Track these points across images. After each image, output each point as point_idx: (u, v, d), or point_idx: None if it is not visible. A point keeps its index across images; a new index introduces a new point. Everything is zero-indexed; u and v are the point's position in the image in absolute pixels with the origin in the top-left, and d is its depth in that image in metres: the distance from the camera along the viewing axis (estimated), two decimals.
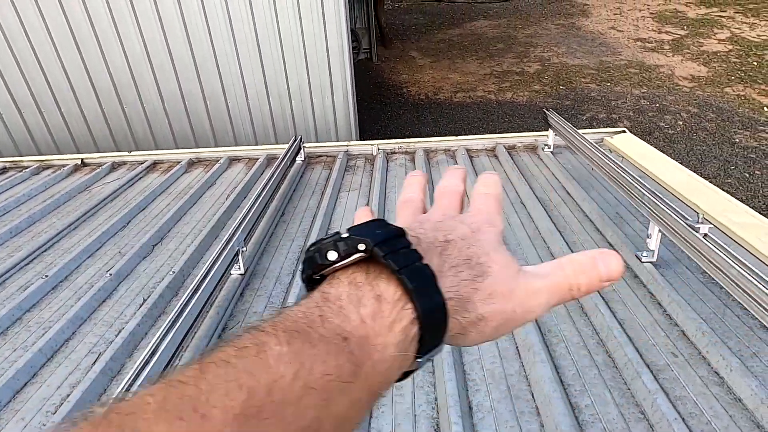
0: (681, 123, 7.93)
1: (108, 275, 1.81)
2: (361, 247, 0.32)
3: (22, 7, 4.39)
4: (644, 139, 2.84)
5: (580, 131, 2.54)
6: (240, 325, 1.55)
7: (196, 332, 1.45)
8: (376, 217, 0.36)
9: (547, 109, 2.81)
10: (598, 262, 0.38)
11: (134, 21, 4.49)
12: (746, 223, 1.84)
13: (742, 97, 8.55)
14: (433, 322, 0.31)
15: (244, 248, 1.77)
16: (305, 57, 4.77)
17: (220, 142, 5.08)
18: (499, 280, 0.36)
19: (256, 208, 1.96)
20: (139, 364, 1.15)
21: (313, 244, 0.33)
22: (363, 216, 0.41)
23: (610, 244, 1.86)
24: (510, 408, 1.19)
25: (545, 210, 2.13)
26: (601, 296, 1.53)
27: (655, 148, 2.78)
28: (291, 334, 0.27)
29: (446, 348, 1.25)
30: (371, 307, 0.30)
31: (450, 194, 0.44)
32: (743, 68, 9.57)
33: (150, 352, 1.19)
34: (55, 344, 1.50)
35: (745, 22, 11.84)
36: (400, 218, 0.42)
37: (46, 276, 1.85)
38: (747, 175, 6.61)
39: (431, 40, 12.22)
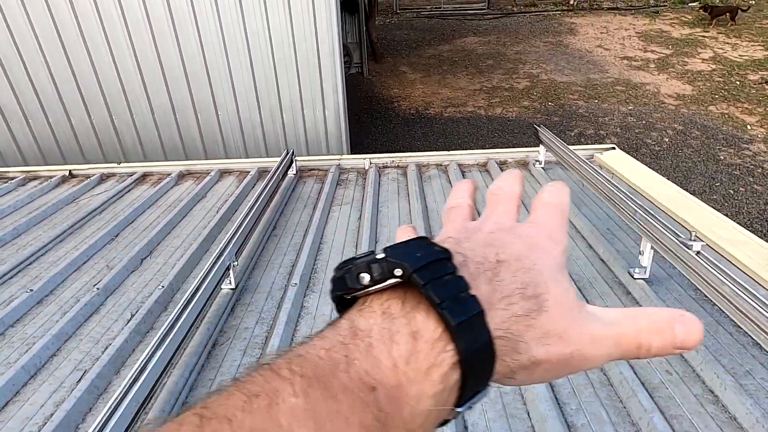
0: (667, 140, 8.06)
1: (95, 289, 1.77)
2: (398, 272, 0.27)
3: (11, 15, 4.36)
4: (631, 155, 2.88)
5: (571, 147, 2.56)
6: (230, 342, 1.52)
7: (185, 349, 1.42)
8: (420, 235, 0.31)
9: (538, 125, 2.84)
10: (677, 324, 0.32)
11: (125, 31, 4.47)
12: (735, 239, 1.86)
13: (726, 116, 8.73)
14: (477, 366, 0.27)
15: (236, 263, 1.75)
16: (297, 70, 4.78)
17: (211, 155, 5.05)
18: (555, 317, 0.30)
19: (247, 221, 1.94)
20: (127, 381, 1.12)
21: (344, 263, 0.29)
22: (404, 234, 0.35)
23: (602, 261, 1.87)
24: (506, 428, 1.18)
25: None
26: None
27: (642, 162, 2.81)
28: (309, 381, 0.23)
29: None
30: (406, 347, 0.26)
31: (506, 198, 0.38)
32: (726, 87, 9.78)
33: (138, 370, 1.16)
34: (39, 361, 1.46)
35: (728, 43, 12.15)
36: (447, 226, 0.37)
37: (31, 290, 1.81)
38: (732, 192, 6.72)
39: (422, 55, 12.35)
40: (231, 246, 1.74)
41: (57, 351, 1.52)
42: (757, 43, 11.93)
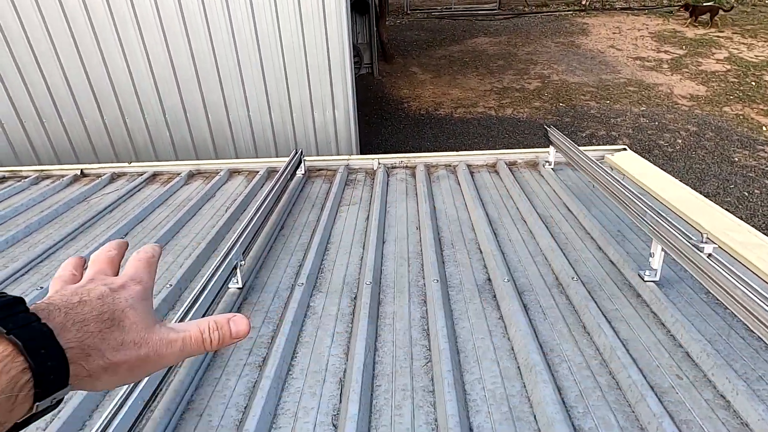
0: (680, 141, 7.96)
1: None
2: None
3: (25, 15, 4.42)
4: (644, 157, 2.84)
5: (581, 148, 2.53)
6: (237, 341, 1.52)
7: None
8: (1, 291, 0.41)
9: (548, 125, 2.81)
10: (230, 322, 0.48)
11: (137, 31, 4.52)
12: (749, 242, 1.83)
13: (741, 117, 8.60)
14: (49, 370, 0.36)
15: (243, 262, 1.75)
16: (307, 70, 4.79)
17: (221, 154, 5.08)
18: (132, 331, 0.42)
19: (255, 221, 1.95)
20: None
21: None
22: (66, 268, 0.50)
23: (612, 263, 1.84)
24: (512, 430, 1.16)
25: (546, 227, 2.12)
26: (604, 315, 1.51)
27: (655, 164, 2.77)
28: None
29: (446, 367, 1.22)
30: None
31: (99, 261, 0.51)
32: (741, 88, 9.64)
33: None
34: None
35: (743, 43, 11.98)
36: (49, 291, 0.47)
37: (41, 287, 1.82)
38: (746, 194, 6.62)
39: (432, 56, 12.33)
40: (238, 245, 1.74)
41: None
42: None
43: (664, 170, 2.68)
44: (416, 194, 2.55)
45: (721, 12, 13.02)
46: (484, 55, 12.12)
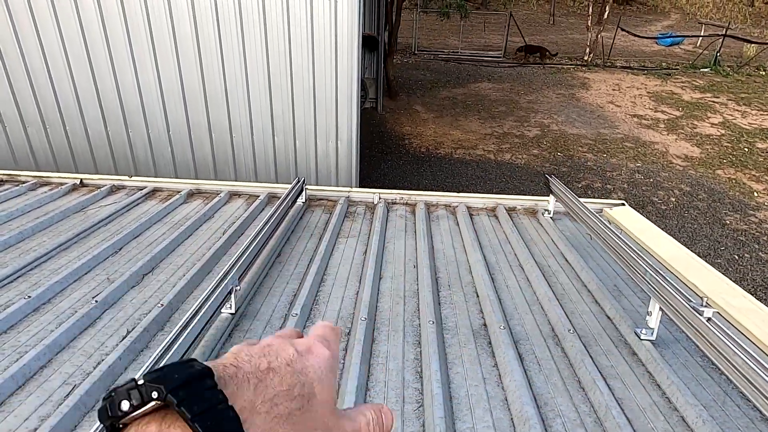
0: (674, 200, 8.09)
1: (93, 302, 1.75)
2: (155, 394, 0.29)
3: (41, 19, 4.48)
4: (638, 212, 2.87)
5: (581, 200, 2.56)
6: None
7: None
8: (189, 358, 0.35)
9: (549, 175, 2.85)
10: (383, 415, 0.43)
11: (150, 46, 4.58)
12: (744, 307, 1.83)
13: (733, 181, 8.78)
14: None
15: (238, 287, 1.73)
16: (314, 100, 4.86)
17: (221, 175, 5.09)
18: (319, 416, 0.36)
19: (254, 246, 1.93)
20: None
21: (108, 393, 0.31)
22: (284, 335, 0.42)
23: (609, 317, 1.84)
24: None
25: (543, 275, 2.12)
26: (599, 371, 1.50)
27: (648, 220, 2.80)
28: None
29: (438, 413, 1.19)
30: None
31: (289, 330, 0.45)
32: (734, 153, 9.89)
33: None
34: (28, 371, 1.43)
35: (737, 110, 12.35)
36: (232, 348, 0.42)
37: (29, 296, 1.78)
38: (736, 257, 6.69)
39: (436, 96, 12.59)
40: (235, 269, 1.72)
41: (48, 362, 1.48)
42: (766, 113, 12.11)
43: (658, 227, 2.71)
44: (415, 232, 2.55)
45: (548, 53, 16.15)
46: (487, 100, 12.39)
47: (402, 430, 1.27)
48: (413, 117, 11.16)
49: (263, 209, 2.79)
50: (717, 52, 16.01)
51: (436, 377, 1.42)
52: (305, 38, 4.61)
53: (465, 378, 1.48)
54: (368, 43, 10.45)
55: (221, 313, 1.71)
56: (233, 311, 1.73)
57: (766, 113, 12.02)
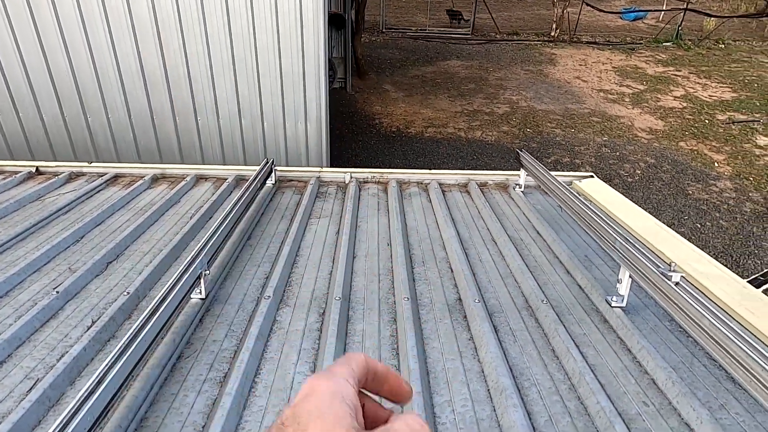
0: (639, 172, 8.28)
1: (54, 293, 1.67)
2: None
3: None
4: (606, 184, 2.91)
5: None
6: (197, 355, 1.44)
7: (148, 360, 1.34)
8: None
9: (519, 150, 2.86)
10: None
11: (105, 26, 4.37)
12: (710, 273, 1.88)
13: (695, 152, 9.03)
14: None
15: (207, 271, 1.68)
16: (281, 80, 4.74)
17: (187, 160, 4.94)
18: None
19: (222, 229, 1.88)
20: (83, 394, 1.04)
21: None
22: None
23: (580, 287, 1.86)
24: None
25: (516, 248, 2.13)
26: (573, 340, 1.52)
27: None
28: None
29: (415, 388, 1.19)
30: None
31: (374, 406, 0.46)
32: (696, 125, 10.15)
33: (96, 381, 1.08)
34: None
35: (699, 83, 12.65)
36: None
37: None
38: (698, 226, 6.92)
39: (405, 75, 12.48)
40: (204, 254, 1.67)
41: (7, 357, 1.41)
42: (725, 85, 12.46)
43: (625, 198, 2.76)
44: (388, 210, 2.53)
45: (461, 17, 17.71)
46: (456, 78, 12.36)
47: None
48: (383, 96, 11.06)
49: (231, 192, 2.72)
50: (679, 26, 16.32)
51: (413, 353, 1.41)
52: (269, 15, 4.47)
53: (441, 352, 1.48)
54: (335, 22, 10.24)
55: (191, 298, 1.66)
56: (203, 296, 1.68)
57: (725, 85, 12.36)
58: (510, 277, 1.94)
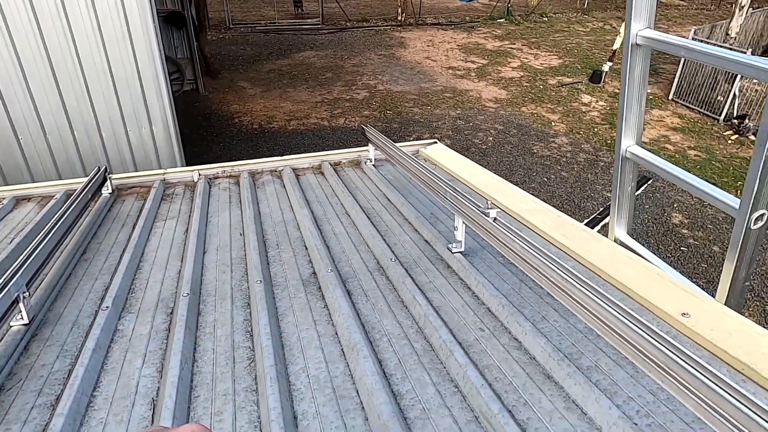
0: (491, 139, 9.00)
1: None
2: None
3: None
4: (463, 154, 3.12)
5: (397, 144, 2.70)
6: (22, 384, 1.29)
7: None
8: None
9: (364, 125, 2.95)
10: None
11: None
12: (533, 209, 2.12)
13: (535, 115, 10.03)
14: None
15: (26, 293, 1.50)
16: (113, 85, 4.37)
17: (12, 181, 4.35)
18: None
19: (43, 247, 1.69)
20: None
21: None
22: None
23: (426, 241, 1.99)
24: (335, 409, 1.17)
25: (368, 218, 2.20)
26: (419, 288, 1.62)
27: (472, 160, 3.06)
28: None
29: (268, 362, 1.18)
30: None
31: (154, 429, 0.54)
32: (533, 91, 11.26)
33: None
34: None
35: (531, 53, 14.01)
36: None
37: None
38: (546, 179, 7.72)
39: (260, 70, 12.17)
40: (19, 275, 1.49)
41: None
42: (552, 53, 13.95)
43: (481, 164, 2.98)
44: (240, 201, 2.47)
45: None
46: (313, 68, 12.33)
47: (233, 389, 1.25)
48: (240, 94, 10.69)
49: (61, 208, 2.45)
50: (508, 4, 17.88)
51: (266, 331, 1.41)
52: (87, 18, 4.07)
53: (296, 325, 1.50)
54: (173, 20, 9.62)
55: (10, 326, 1.48)
56: (27, 321, 1.50)
57: (552, 54, 13.86)
58: (363, 243, 2.01)
